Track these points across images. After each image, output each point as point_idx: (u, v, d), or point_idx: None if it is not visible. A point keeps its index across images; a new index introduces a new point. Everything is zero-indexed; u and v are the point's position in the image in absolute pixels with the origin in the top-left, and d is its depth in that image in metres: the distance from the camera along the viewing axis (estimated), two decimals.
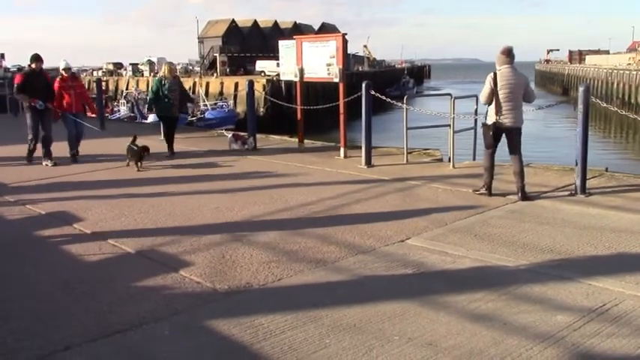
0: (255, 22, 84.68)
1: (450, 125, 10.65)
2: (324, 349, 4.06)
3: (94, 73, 79.54)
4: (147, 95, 56.44)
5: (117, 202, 8.35)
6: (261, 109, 45.80)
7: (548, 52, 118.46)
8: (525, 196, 8.07)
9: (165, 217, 7.53)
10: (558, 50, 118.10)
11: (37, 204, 8.28)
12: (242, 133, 13.88)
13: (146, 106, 52.04)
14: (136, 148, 10.90)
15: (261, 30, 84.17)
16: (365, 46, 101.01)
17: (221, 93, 56.14)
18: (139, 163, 10.80)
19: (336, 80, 11.77)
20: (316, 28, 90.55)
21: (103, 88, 49.99)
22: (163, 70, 12.57)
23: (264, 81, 51.41)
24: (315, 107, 13.43)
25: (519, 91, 8.09)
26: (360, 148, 11.23)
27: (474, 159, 11.31)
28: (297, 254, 6.03)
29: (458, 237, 6.48)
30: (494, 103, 8.05)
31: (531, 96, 8.24)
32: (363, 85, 10.87)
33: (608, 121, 45.81)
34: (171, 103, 12.24)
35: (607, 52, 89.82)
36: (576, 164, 8.35)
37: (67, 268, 5.82)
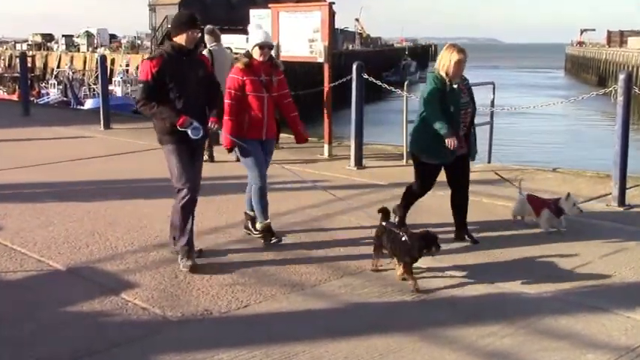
0: None
1: None
2: None
3: (17, 46, 79.04)
4: (83, 75, 56.22)
5: (43, 206, 8.32)
6: None
7: (581, 33, 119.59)
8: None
9: (104, 225, 7.52)
10: (594, 30, 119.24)
11: None
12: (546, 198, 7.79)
13: (83, 88, 51.73)
14: (411, 241, 5.83)
15: None
16: (357, 20, 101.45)
17: None
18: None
19: (321, 60, 11.79)
20: None
21: (29, 65, 50.07)
22: (444, 60, 6.88)
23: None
24: (293, 93, 13.41)
25: (228, 65, 10.32)
26: (349, 145, 11.25)
27: (489, 161, 11.40)
28: (268, 275, 6.05)
29: (467, 256, 6.54)
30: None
31: None
32: (354, 66, 10.91)
33: None
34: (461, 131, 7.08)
35: None
36: (614, 170, 8.44)
37: None
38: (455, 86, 6.84)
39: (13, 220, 7.71)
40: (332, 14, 11.97)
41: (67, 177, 10.20)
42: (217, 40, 11.43)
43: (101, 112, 15.59)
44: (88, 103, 40.89)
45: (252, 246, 6.85)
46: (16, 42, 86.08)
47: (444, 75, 6.83)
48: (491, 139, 11.40)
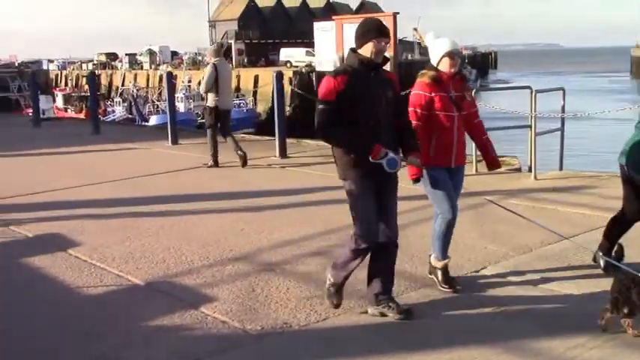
0: (279, 1, 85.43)
1: (530, 126, 10.56)
2: None
3: (84, 65, 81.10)
4: (147, 92, 57.17)
5: (119, 222, 8.47)
6: (288, 108, 45.90)
7: None
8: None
9: (179, 240, 7.60)
10: None
11: (23, 225, 8.44)
12: None
13: (147, 105, 53.11)
14: None
15: (286, 11, 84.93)
16: (415, 30, 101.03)
17: (237, 89, 56.58)
18: None
19: None
20: (354, 7, 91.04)
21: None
22: None
23: (290, 73, 51.61)
24: None
25: (230, 79, 12.90)
26: None
27: (561, 168, 11.18)
28: (345, 287, 6.00)
29: (547, 266, 6.40)
30: (214, 90, 12.07)
31: None
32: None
33: None
34: None
35: None
36: None
37: (63, 302, 5.92)
38: None
39: (90, 236, 7.87)
40: (395, 24, 11.99)
41: (141, 192, 10.37)
42: (219, 55, 12.81)
43: (169, 128, 15.82)
44: (153, 120, 41.67)
45: (327, 258, 6.82)
46: (82, 62, 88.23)
47: None
48: (563, 145, 11.19)
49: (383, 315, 5.39)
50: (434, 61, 5.83)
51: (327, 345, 4.93)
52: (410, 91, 5.94)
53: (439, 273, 5.95)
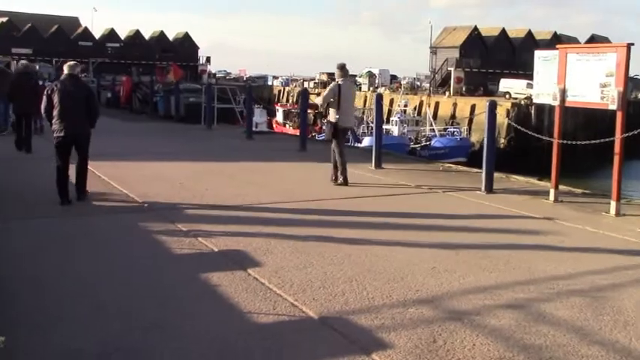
0: (503, 30, 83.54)
1: None
2: None
3: (305, 83, 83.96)
4: (363, 114, 57.95)
5: (304, 245, 8.11)
6: (502, 140, 44.81)
7: None
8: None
9: (363, 272, 7.08)
10: None
11: (211, 237, 8.33)
12: None
13: (361, 126, 53.60)
14: None
15: (510, 41, 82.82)
16: None
17: (453, 117, 56.01)
18: None
19: (613, 107, 10.64)
20: (582, 40, 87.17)
21: (312, 102, 52.38)
22: None
23: (508, 104, 50.26)
24: (579, 143, 12.37)
25: (353, 99, 13.45)
26: None
27: None
28: (541, 351, 5.20)
29: None
30: (336, 107, 12.55)
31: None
32: None
33: None
34: None
35: None
36: None
37: (230, 326, 5.60)
38: None
39: (273, 257, 7.56)
40: (629, 57, 10.80)
41: (333, 215, 10.02)
42: (345, 75, 13.23)
43: (373, 151, 15.49)
44: (365, 141, 41.85)
45: (524, 313, 6.00)
46: (304, 79, 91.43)
47: None
48: None
49: None
50: None
51: None
52: None
53: None
